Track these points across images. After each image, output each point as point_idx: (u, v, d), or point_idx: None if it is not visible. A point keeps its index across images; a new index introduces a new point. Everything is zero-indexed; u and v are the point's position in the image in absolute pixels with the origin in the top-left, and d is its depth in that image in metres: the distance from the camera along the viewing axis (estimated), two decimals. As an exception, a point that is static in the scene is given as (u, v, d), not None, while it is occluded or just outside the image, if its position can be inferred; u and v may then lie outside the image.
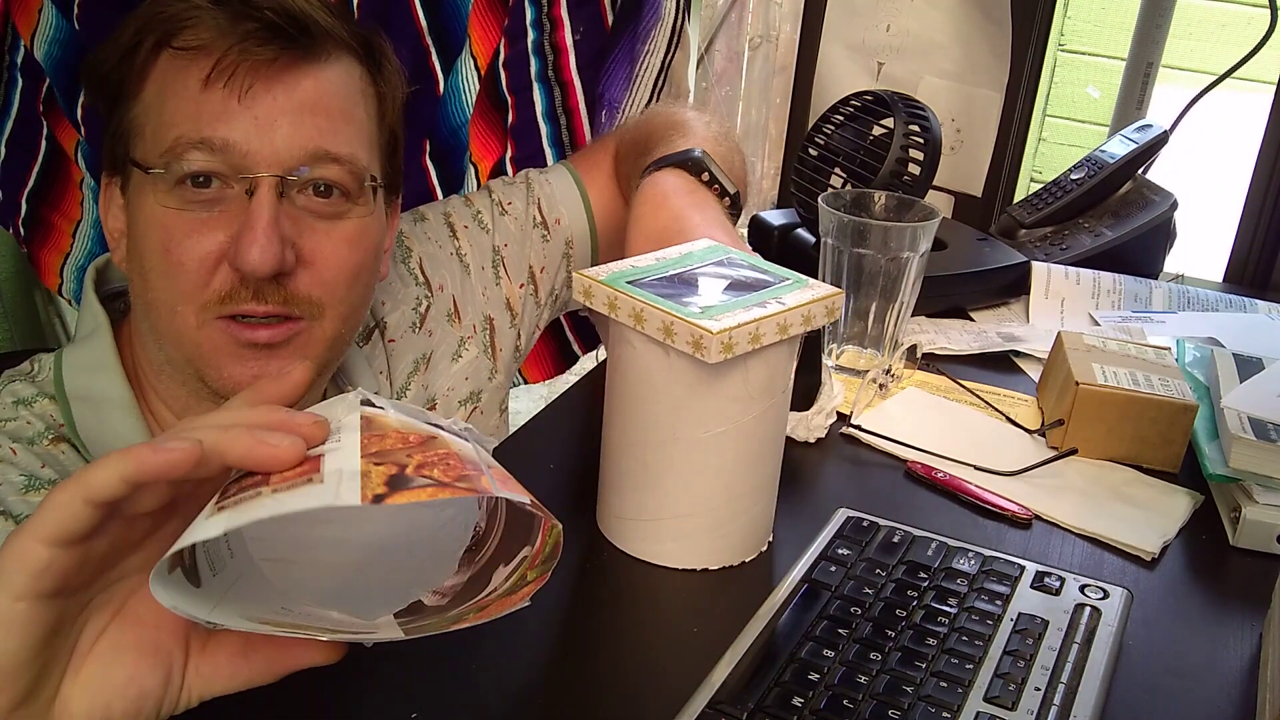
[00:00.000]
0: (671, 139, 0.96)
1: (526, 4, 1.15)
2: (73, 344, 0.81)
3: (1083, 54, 2.62)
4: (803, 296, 0.67)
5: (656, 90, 1.24)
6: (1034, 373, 1.02)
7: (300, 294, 0.75)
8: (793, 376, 0.72)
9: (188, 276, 0.73)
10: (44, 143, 1.06)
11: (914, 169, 1.09)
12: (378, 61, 0.80)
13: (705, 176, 0.90)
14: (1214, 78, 1.32)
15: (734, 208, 0.91)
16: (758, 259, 0.74)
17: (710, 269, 0.72)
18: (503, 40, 1.16)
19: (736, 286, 0.69)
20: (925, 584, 0.67)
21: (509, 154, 1.21)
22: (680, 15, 1.22)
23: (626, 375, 0.69)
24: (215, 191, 0.73)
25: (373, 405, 0.47)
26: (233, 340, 0.75)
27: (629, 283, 0.68)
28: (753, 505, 0.71)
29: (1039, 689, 0.59)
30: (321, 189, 0.75)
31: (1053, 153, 2.62)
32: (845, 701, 0.57)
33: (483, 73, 1.16)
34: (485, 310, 1.00)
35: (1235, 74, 1.31)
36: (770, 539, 0.74)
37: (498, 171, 1.22)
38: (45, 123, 1.06)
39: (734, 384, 0.66)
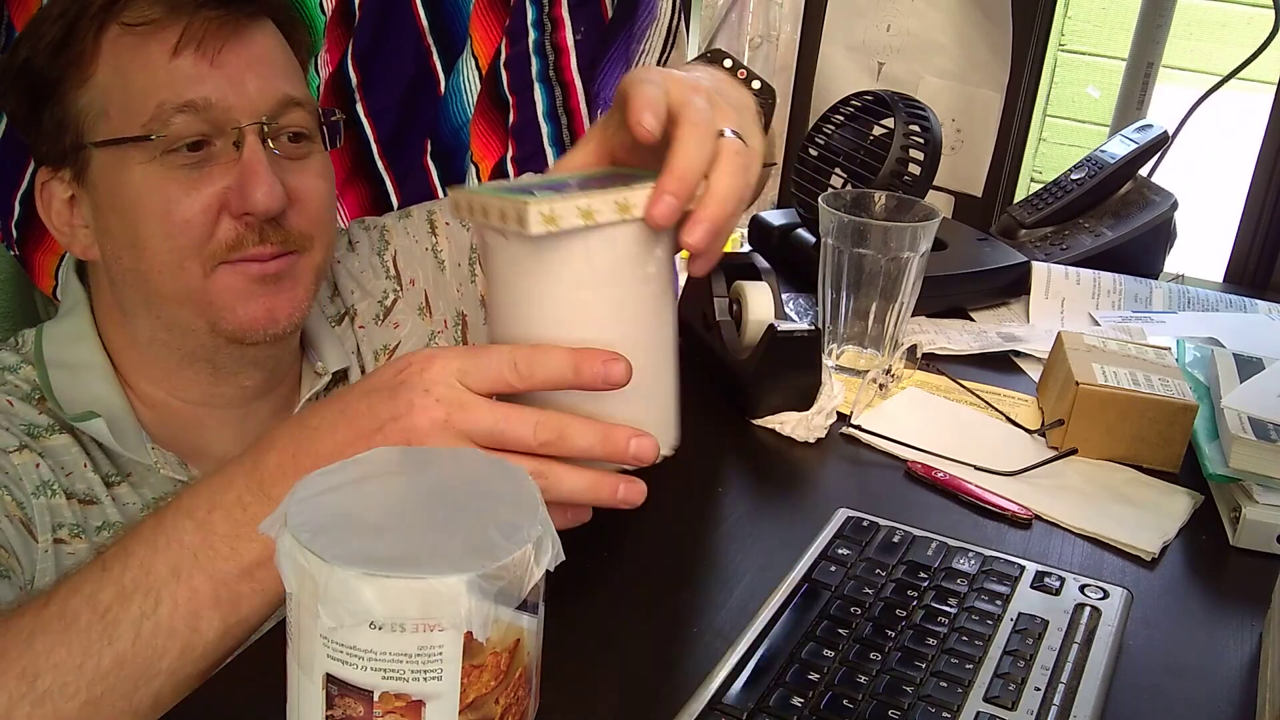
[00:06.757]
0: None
1: (528, 4, 1.16)
2: (54, 319, 0.87)
3: (1083, 54, 2.62)
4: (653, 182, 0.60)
5: None
6: (1034, 373, 1.02)
7: (295, 230, 0.81)
8: (667, 266, 0.63)
9: (193, 231, 0.77)
10: None
11: (914, 169, 1.09)
12: (290, 18, 0.86)
13: (728, 63, 0.80)
14: (1214, 77, 1.32)
15: (765, 95, 0.79)
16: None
17: (594, 181, 0.64)
18: (504, 40, 1.16)
19: (599, 182, 0.62)
20: (925, 584, 0.67)
21: (510, 154, 1.21)
22: (676, 15, 1.22)
23: (492, 285, 0.63)
24: (203, 151, 0.78)
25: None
26: (244, 278, 0.79)
27: (494, 189, 0.62)
28: (635, 401, 0.62)
29: (1039, 689, 0.59)
30: (291, 135, 0.81)
31: (1053, 153, 2.62)
32: (845, 701, 0.57)
33: (484, 72, 1.16)
34: (459, 306, 1.01)
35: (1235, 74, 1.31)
36: (676, 444, 0.65)
37: (499, 171, 1.22)
38: None
39: (577, 269, 0.59)
